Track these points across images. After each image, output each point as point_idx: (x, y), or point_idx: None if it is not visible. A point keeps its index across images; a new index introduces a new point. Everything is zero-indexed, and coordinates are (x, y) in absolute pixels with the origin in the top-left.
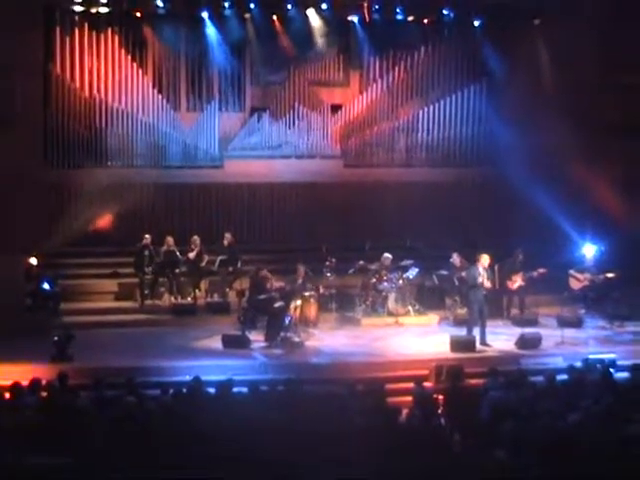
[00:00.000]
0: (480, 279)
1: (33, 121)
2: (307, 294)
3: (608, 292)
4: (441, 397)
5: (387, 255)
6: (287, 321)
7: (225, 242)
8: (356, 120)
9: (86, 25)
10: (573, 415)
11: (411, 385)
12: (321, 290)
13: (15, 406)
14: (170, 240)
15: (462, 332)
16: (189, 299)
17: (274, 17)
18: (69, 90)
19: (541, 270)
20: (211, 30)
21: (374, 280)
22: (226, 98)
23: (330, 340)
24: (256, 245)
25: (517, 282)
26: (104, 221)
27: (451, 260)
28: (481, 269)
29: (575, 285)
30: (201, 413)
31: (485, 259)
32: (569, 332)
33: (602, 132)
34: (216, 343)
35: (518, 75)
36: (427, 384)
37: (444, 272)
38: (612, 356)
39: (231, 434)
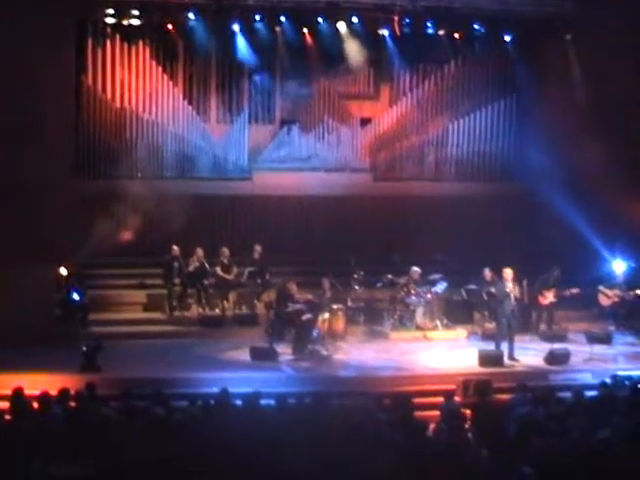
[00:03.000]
0: (510, 293)
1: (64, 132)
2: (335, 307)
3: (638, 309)
4: (468, 412)
5: (415, 269)
6: (315, 334)
7: (255, 255)
8: (386, 134)
9: (118, 37)
10: (602, 431)
11: (439, 399)
12: (349, 303)
13: (43, 416)
14: (199, 252)
15: (490, 347)
16: (217, 311)
17: (305, 30)
18: (100, 101)
19: (574, 290)
20: (242, 42)
21: (402, 294)
22: (256, 110)
23: (358, 353)
24: (284, 257)
25: (548, 298)
26: (133, 232)
27: (483, 275)
28: (509, 283)
29: (604, 301)
30: (228, 425)
31: (508, 273)
32: (598, 348)
33: (636, 148)
34: (244, 355)
35: (549, 90)
36: (455, 399)
37: (473, 286)
38: None
39: (258, 446)
